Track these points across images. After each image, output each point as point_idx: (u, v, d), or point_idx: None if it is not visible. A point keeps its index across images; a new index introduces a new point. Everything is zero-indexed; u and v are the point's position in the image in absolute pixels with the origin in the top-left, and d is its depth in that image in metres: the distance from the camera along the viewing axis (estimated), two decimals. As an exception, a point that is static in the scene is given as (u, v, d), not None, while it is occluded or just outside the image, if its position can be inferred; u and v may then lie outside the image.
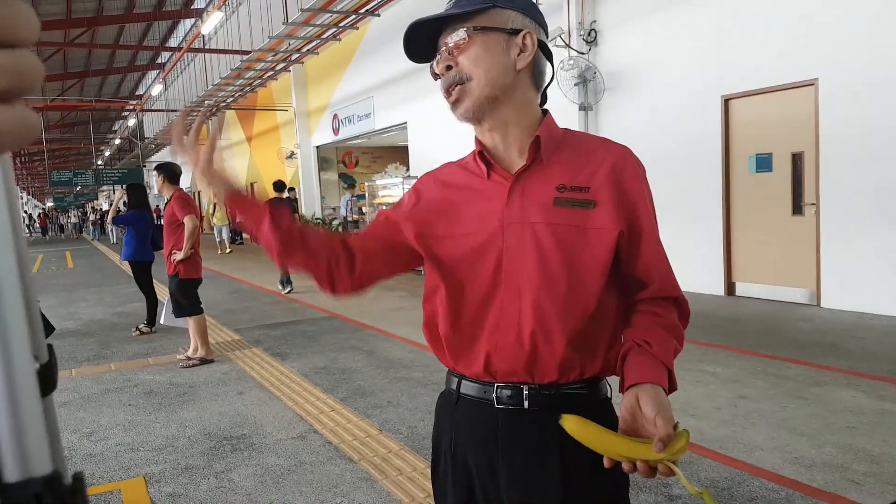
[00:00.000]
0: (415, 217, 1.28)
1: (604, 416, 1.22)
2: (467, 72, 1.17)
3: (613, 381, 1.33)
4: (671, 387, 1.14)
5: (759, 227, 7.12)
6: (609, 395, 1.28)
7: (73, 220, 28.21)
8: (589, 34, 8.58)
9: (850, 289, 6.21)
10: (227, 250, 17.49)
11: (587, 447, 1.07)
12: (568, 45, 8.61)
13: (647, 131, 7.96)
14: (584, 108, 8.63)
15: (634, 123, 8.18)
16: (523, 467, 1.20)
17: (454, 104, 1.20)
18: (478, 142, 1.26)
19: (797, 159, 6.69)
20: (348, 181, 19.02)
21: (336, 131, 16.79)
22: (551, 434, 1.17)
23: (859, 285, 6.13)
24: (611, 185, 1.18)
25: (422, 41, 1.22)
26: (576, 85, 8.53)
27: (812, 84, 6.30)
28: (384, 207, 12.48)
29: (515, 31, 1.18)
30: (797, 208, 6.75)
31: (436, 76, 1.25)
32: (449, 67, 1.19)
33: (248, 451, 3.65)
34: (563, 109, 8.66)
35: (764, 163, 6.98)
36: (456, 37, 1.17)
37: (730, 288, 7.47)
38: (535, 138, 1.20)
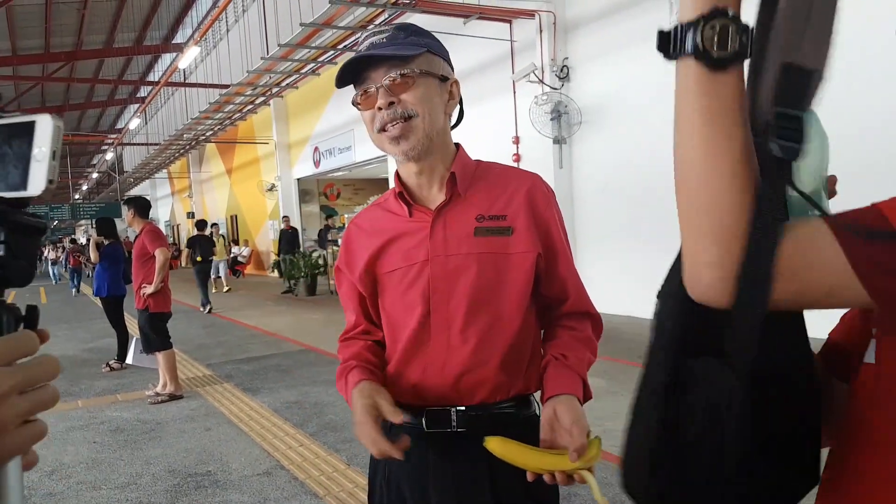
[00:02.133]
0: (352, 268, 1.35)
1: (531, 432, 1.25)
2: (413, 108, 1.19)
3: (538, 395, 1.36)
4: (586, 396, 1.22)
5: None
6: (536, 411, 1.31)
7: (50, 255, 27.55)
8: (561, 70, 8.76)
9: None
10: (225, 288, 15.67)
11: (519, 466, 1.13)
12: (541, 81, 8.77)
13: (620, 163, 8.10)
14: (557, 141, 8.77)
15: (608, 155, 8.32)
16: (455, 490, 1.23)
17: (396, 140, 1.20)
18: (397, 182, 1.31)
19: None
20: (329, 213, 19.05)
21: (317, 164, 16.86)
22: (481, 454, 1.19)
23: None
24: (525, 211, 1.25)
25: (350, 75, 1.24)
26: (552, 120, 8.67)
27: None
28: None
29: (445, 79, 1.26)
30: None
31: (361, 107, 1.24)
32: (391, 104, 1.20)
33: (213, 489, 3.58)
34: (539, 143, 8.80)
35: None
36: (400, 74, 1.19)
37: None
38: (451, 174, 1.26)
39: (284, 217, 16.20)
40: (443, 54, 1.27)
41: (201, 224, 12.97)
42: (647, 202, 7.78)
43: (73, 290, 19.17)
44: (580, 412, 1.13)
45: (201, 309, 11.81)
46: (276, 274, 16.26)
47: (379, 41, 1.21)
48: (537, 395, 1.31)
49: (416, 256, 1.26)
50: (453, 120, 1.33)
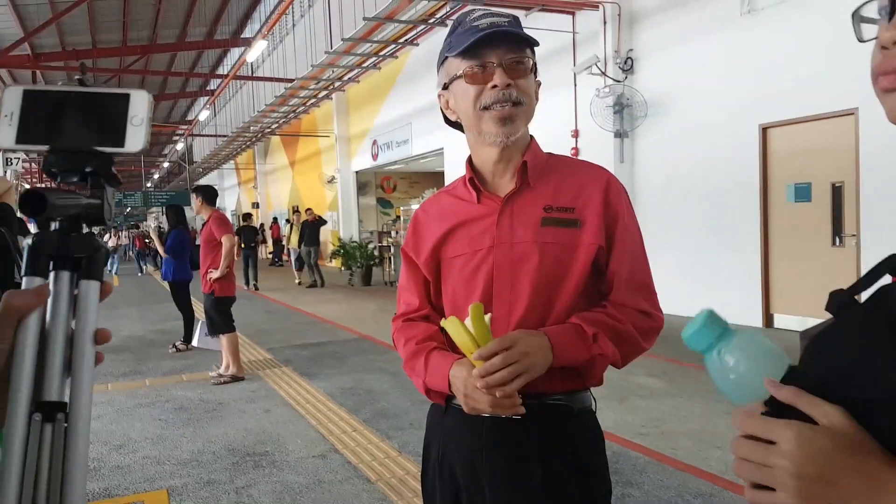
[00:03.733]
0: (418, 251, 1.37)
1: (585, 426, 1.29)
2: (524, 96, 1.23)
3: (611, 394, 1.34)
4: (589, 368, 1.22)
5: (797, 257, 6.94)
6: (593, 407, 1.32)
7: (124, 241, 28.98)
8: (625, 62, 8.58)
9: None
10: (297, 280, 15.09)
11: (571, 456, 1.24)
12: (604, 73, 8.63)
13: (683, 158, 7.89)
14: (619, 135, 8.61)
15: (670, 150, 8.11)
16: (506, 475, 1.25)
17: (503, 120, 1.22)
18: (468, 167, 1.34)
19: (837, 189, 6.54)
20: (386, 206, 19.24)
21: (375, 157, 17.06)
22: (533, 443, 1.24)
23: None
24: (596, 205, 1.26)
25: (463, 45, 1.23)
26: (615, 113, 8.51)
27: (852, 114, 6.17)
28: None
29: (535, 72, 1.29)
30: (837, 239, 6.57)
31: (469, 80, 1.24)
32: (508, 85, 1.22)
33: (270, 468, 3.70)
34: (599, 137, 8.66)
35: (803, 192, 6.84)
36: (525, 61, 1.24)
37: (768, 319, 7.26)
38: (523, 163, 1.28)
39: (308, 209, 16.07)
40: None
41: (247, 216, 15.72)
42: (710, 198, 7.56)
43: (139, 272, 20.79)
44: (530, 344, 1.15)
45: (245, 287, 13.62)
46: (333, 264, 16.42)
47: (501, 23, 1.22)
48: (607, 390, 1.33)
49: (482, 243, 1.27)
50: None
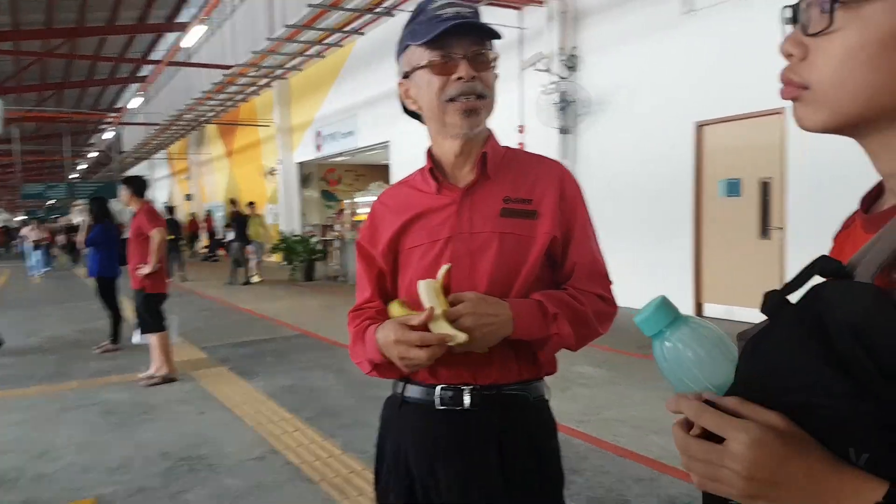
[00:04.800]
0: (375, 243, 1.37)
1: (540, 415, 1.31)
2: (487, 89, 1.24)
3: (552, 382, 1.36)
4: (547, 339, 1.23)
5: (727, 249, 7.25)
6: (546, 396, 1.34)
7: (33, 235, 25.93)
8: (570, 59, 8.66)
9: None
10: (256, 277, 13.73)
11: (528, 445, 1.26)
12: (549, 70, 8.68)
13: (624, 154, 8.06)
14: (564, 131, 8.69)
15: (612, 146, 8.26)
16: (462, 468, 1.25)
17: (468, 113, 1.22)
18: (429, 158, 1.33)
19: (765, 185, 6.85)
20: (331, 198, 18.94)
21: (319, 148, 16.76)
22: (491, 434, 1.25)
23: None
24: (552, 197, 1.29)
25: (427, 33, 1.21)
26: (560, 109, 8.58)
27: (780, 113, 6.43)
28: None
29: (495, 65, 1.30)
30: (764, 232, 6.90)
31: (434, 71, 1.22)
32: (473, 78, 1.21)
33: (206, 472, 3.54)
34: (544, 132, 8.72)
35: (733, 188, 7.14)
36: (489, 54, 1.24)
37: (698, 309, 7.56)
38: (483, 154, 1.29)
39: (231, 199, 15.61)
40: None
41: (170, 209, 15.71)
42: (648, 193, 7.74)
43: (43, 267, 18.42)
44: (486, 307, 1.16)
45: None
46: (274, 258, 16.01)
47: (465, 13, 1.21)
48: (549, 379, 1.35)
49: (441, 233, 1.28)
50: None
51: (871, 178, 0.71)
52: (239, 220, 13.55)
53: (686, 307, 7.51)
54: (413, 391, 1.31)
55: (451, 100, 1.22)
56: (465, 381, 1.25)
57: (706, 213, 7.44)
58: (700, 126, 7.33)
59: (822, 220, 6.55)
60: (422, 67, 1.24)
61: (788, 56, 0.64)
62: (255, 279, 13.64)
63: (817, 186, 6.18)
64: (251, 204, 14.99)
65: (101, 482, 3.46)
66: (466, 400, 1.24)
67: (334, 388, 5.15)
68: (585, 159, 8.71)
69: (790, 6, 0.65)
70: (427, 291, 1.13)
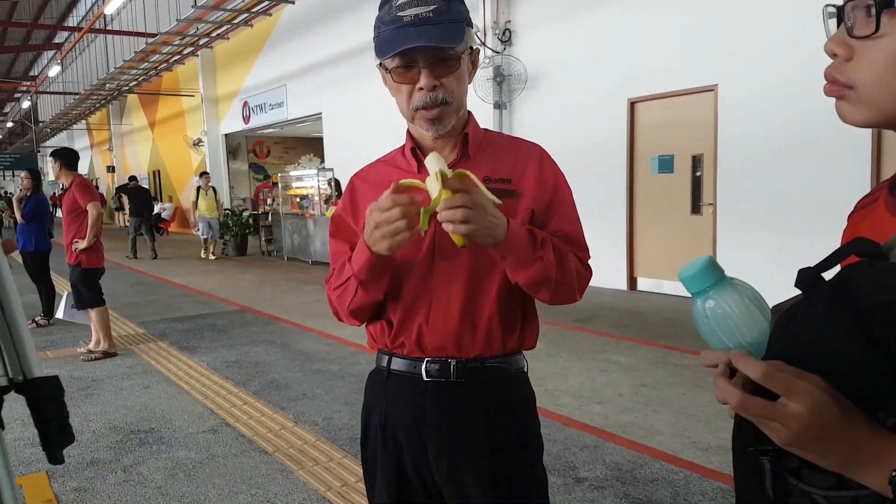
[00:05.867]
0: (357, 218, 1.36)
1: (521, 388, 1.38)
2: (450, 94, 1.24)
3: (529, 356, 1.43)
4: (517, 247, 1.19)
5: (660, 225, 7.51)
6: (525, 368, 1.40)
7: None
8: (504, 33, 8.77)
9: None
10: (212, 255, 13.11)
11: (512, 417, 1.31)
12: (483, 44, 8.76)
13: (558, 130, 8.19)
14: (498, 106, 8.83)
15: (546, 122, 8.43)
16: (451, 438, 1.29)
17: (433, 122, 1.25)
18: (409, 138, 1.35)
19: (697, 161, 7.09)
20: (260, 171, 18.54)
21: (247, 119, 16.33)
22: (477, 405, 1.29)
23: (751, 279, 6.47)
24: (532, 178, 1.32)
25: (387, 45, 1.22)
26: (499, 83, 8.68)
27: (712, 90, 6.70)
28: (298, 199, 12.24)
29: (472, 50, 1.30)
30: (696, 208, 7.15)
31: (397, 80, 1.25)
32: (434, 87, 1.22)
33: (158, 445, 3.55)
34: (478, 107, 8.82)
35: (666, 164, 7.36)
36: (451, 57, 1.22)
37: (632, 283, 7.85)
38: (464, 135, 1.32)
39: (132, 176, 15.39)
40: (470, 23, 1.28)
41: (132, 178, 15.11)
42: (582, 170, 7.94)
43: None
44: (489, 203, 1.13)
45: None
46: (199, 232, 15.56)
47: (425, 14, 1.19)
48: (527, 353, 1.40)
49: None
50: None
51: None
52: (130, 193, 14.12)
53: (620, 282, 7.82)
54: (399, 364, 1.33)
55: (417, 109, 1.24)
56: (451, 354, 1.28)
57: (639, 189, 7.66)
58: (633, 103, 7.54)
59: (751, 195, 6.90)
60: (388, 71, 1.26)
61: (833, 55, 0.67)
62: (212, 257, 13.11)
63: (747, 163, 6.47)
64: (133, 178, 15.06)
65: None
66: (453, 372, 1.28)
67: (279, 362, 5.17)
68: (520, 135, 8.87)
69: (834, 5, 0.67)
70: (437, 161, 1.12)
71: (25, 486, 3.11)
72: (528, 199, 1.30)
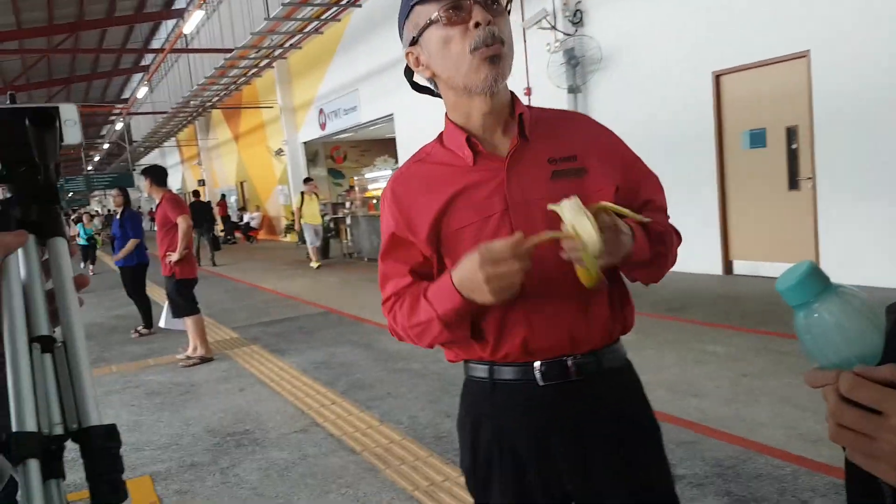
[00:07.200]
0: (416, 230, 1.23)
1: (632, 373, 1.32)
2: (504, 36, 1.14)
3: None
4: (640, 249, 1.15)
5: (755, 203, 7.07)
6: (627, 357, 1.33)
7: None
8: (574, 15, 8.52)
9: (849, 263, 6.03)
10: (316, 263, 12.33)
11: (631, 412, 1.26)
12: (554, 27, 8.55)
13: (638, 111, 7.87)
14: (573, 90, 8.59)
15: (625, 103, 8.11)
16: (581, 441, 1.21)
17: (495, 58, 1.12)
18: (455, 127, 1.23)
19: (791, 133, 6.62)
20: (338, 176, 18.93)
21: (323, 126, 16.70)
22: (600, 396, 1.22)
23: (859, 259, 5.98)
24: (594, 149, 1.23)
25: None
26: (573, 66, 8.44)
27: (804, 56, 6.24)
28: (374, 201, 12.34)
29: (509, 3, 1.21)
30: (793, 183, 6.67)
31: (448, 24, 1.13)
32: (489, 22, 1.12)
33: (252, 446, 3.63)
34: (551, 92, 8.62)
35: (758, 138, 6.93)
36: (497, 2, 1.14)
37: (727, 266, 7.44)
38: (520, 116, 1.21)
39: (195, 191, 16.08)
40: None
41: (195, 193, 16.11)
42: (666, 149, 7.59)
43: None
44: (616, 224, 1.08)
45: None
46: (288, 239, 16.11)
47: None
48: (623, 337, 1.31)
49: (492, 207, 1.17)
50: None
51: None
52: (192, 207, 13.93)
53: (715, 266, 7.43)
54: (506, 373, 1.22)
55: (473, 50, 1.11)
56: (566, 352, 1.19)
57: (730, 167, 7.23)
58: (718, 76, 7.14)
59: (854, 166, 6.39)
60: (433, 24, 1.13)
61: None
62: (314, 265, 12.40)
63: (847, 132, 5.99)
64: (195, 192, 15.71)
65: (153, 460, 3.56)
66: (572, 371, 1.19)
67: (363, 361, 5.22)
68: (597, 118, 8.52)
69: None
70: (574, 209, 1.03)
71: (130, 489, 3.24)
72: (597, 175, 1.20)
